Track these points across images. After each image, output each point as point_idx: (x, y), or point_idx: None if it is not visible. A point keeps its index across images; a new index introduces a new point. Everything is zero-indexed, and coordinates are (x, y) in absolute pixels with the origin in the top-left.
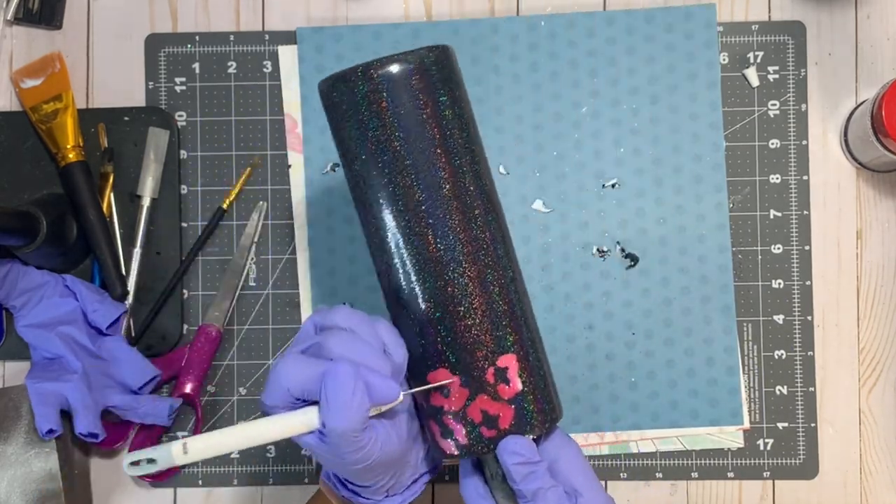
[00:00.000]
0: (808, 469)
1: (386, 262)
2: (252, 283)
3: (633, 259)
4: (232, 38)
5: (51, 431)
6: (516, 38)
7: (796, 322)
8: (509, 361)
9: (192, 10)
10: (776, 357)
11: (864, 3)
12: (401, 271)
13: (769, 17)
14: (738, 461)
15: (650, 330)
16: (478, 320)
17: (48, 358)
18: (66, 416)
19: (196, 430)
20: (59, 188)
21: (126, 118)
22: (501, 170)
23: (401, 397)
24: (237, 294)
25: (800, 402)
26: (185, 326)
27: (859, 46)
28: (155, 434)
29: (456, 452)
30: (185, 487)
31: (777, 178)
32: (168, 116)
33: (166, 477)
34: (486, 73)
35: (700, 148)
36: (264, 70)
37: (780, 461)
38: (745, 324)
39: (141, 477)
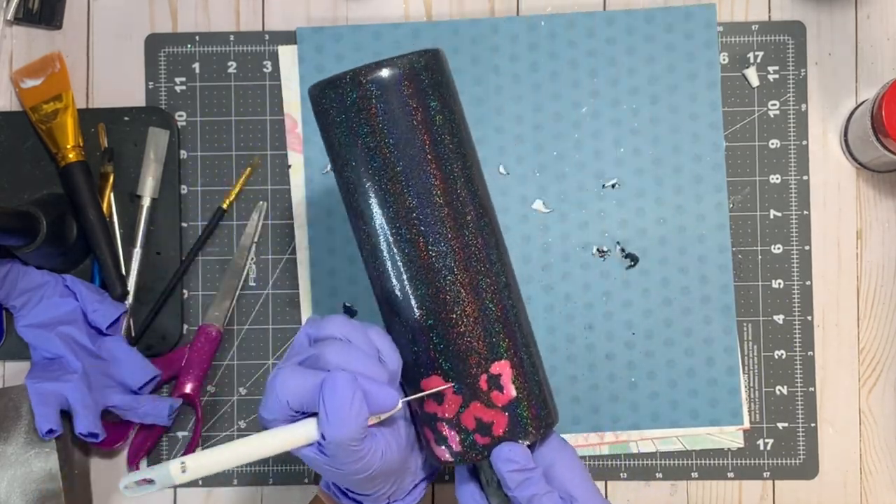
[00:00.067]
0: (808, 469)
1: (378, 268)
2: (252, 283)
3: (633, 259)
4: (232, 38)
5: (51, 431)
6: (516, 38)
7: (796, 322)
8: (503, 368)
9: (192, 10)
10: (776, 357)
11: (864, 3)
12: (393, 278)
13: (769, 17)
14: (738, 461)
15: (650, 330)
16: (470, 327)
17: (48, 358)
18: (66, 416)
19: (196, 430)
20: (59, 188)
21: (126, 118)
22: (501, 170)
23: (399, 405)
24: (237, 294)
25: (800, 402)
26: (185, 326)
27: (859, 46)
28: (155, 434)
29: (450, 459)
30: (185, 487)
31: (777, 178)
32: (168, 116)
33: None
34: (486, 73)
35: (700, 148)
36: (264, 70)
37: (780, 461)
38: (745, 324)
39: None
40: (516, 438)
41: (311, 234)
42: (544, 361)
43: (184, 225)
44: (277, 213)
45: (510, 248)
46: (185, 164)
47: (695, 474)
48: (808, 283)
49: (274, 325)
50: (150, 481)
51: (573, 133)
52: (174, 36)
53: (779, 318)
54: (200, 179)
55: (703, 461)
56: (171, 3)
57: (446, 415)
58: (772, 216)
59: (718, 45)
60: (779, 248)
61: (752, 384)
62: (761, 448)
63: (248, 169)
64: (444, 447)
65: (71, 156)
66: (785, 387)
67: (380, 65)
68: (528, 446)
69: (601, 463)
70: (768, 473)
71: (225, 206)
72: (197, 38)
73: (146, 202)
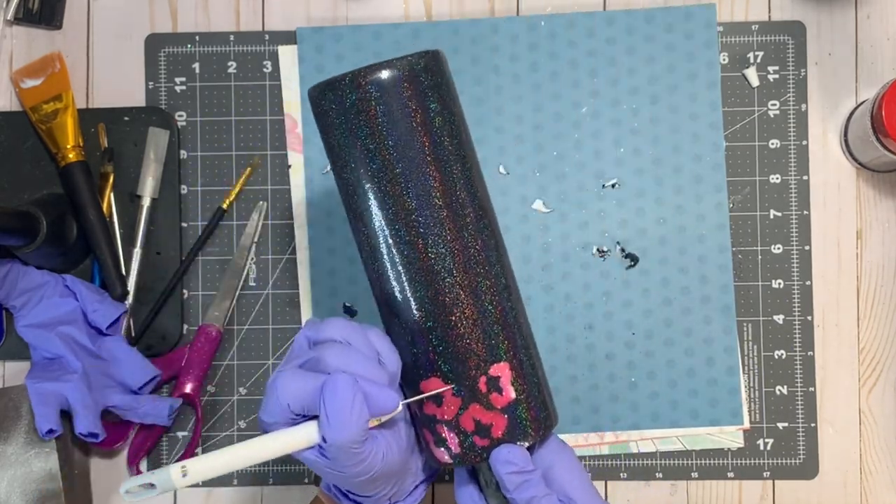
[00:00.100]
0: (808, 469)
1: (377, 270)
2: (252, 283)
3: (633, 259)
4: (232, 38)
5: (51, 431)
6: (516, 38)
7: (796, 322)
8: (502, 370)
9: (192, 10)
10: (776, 357)
11: (864, 3)
12: (392, 280)
13: (769, 17)
14: (738, 461)
15: (650, 330)
16: (469, 329)
17: (48, 358)
18: (66, 416)
19: (196, 430)
20: (59, 188)
21: (126, 118)
22: (501, 170)
23: (400, 406)
24: (237, 294)
25: (800, 402)
26: (185, 326)
27: (859, 46)
28: (155, 434)
29: (449, 461)
30: (185, 487)
31: (777, 178)
32: (168, 116)
33: None
34: (486, 73)
35: (700, 148)
36: (264, 70)
37: (780, 461)
38: (745, 324)
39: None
40: (515, 440)
41: (311, 234)
42: (544, 361)
43: (184, 225)
44: (277, 213)
45: (510, 248)
46: (185, 164)
47: (695, 474)
48: (808, 283)
49: (274, 325)
50: (151, 485)
51: (573, 133)
52: (174, 36)
53: (779, 318)
54: (200, 179)
55: (703, 461)
56: (171, 3)
57: (445, 417)
58: (772, 216)
59: (718, 45)
60: (779, 248)
61: (752, 384)
62: (761, 448)
63: (248, 169)
64: (443, 449)
65: (71, 156)
66: (785, 387)
67: (379, 66)
68: (528, 448)
69: (601, 463)
70: (768, 473)
71: (225, 206)
72: (197, 38)
73: (146, 202)
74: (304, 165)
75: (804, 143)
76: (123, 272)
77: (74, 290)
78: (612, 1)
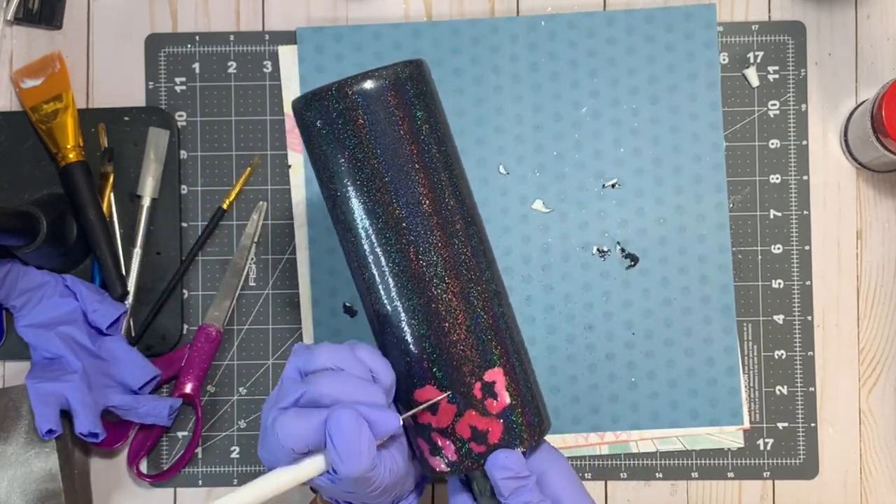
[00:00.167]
0: (808, 469)
1: (368, 280)
2: (252, 283)
3: (633, 259)
4: (232, 38)
5: (51, 431)
6: (516, 38)
7: (796, 322)
8: (496, 375)
9: (192, 10)
10: (776, 357)
11: (864, 3)
12: (382, 290)
13: (769, 17)
14: (738, 461)
15: (650, 330)
16: (463, 335)
17: (48, 358)
18: (66, 416)
19: (196, 430)
20: (59, 188)
21: (126, 118)
22: (501, 170)
23: (401, 422)
24: (237, 294)
25: (800, 402)
26: (185, 326)
27: (859, 46)
28: (155, 434)
29: (446, 469)
30: (185, 487)
31: (777, 178)
32: (168, 116)
33: (167, 477)
34: (486, 73)
35: (700, 148)
36: (264, 70)
37: (780, 461)
38: (745, 324)
39: (140, 476)
40: (511, 446)
41: (311, 234)
42: (544, 361)
43: (184, 225)
44: (277, 213)
45: (510, 248)
46: (185, 164)
47: (695, 474)
48: (808, 283)
49: (274, 325)
50: None
51: (573, 133)
52: (174, 36)
53: (779, 318)
54: (200, 179)
55: (703, 461)
56: (171, 3)
57: (441, 424)
58: (772, 216)
59: (718, 45)
60: (779, 248)
61: (752, 384)
62: (761, 448)
63: (248, 169)
64: (439, 457)
65: (71, 156)
66: (785, 387)
67: (365, 76)
68: (522, 454)
69: (601, 463)
70: (768, 473)
71: (225, 206)
72: (197, 38)
73: (146, 202)
74: (304, 165)
75: (804, 143)
76: (123, 272)
77: (74, 290)
78: (612, 1)
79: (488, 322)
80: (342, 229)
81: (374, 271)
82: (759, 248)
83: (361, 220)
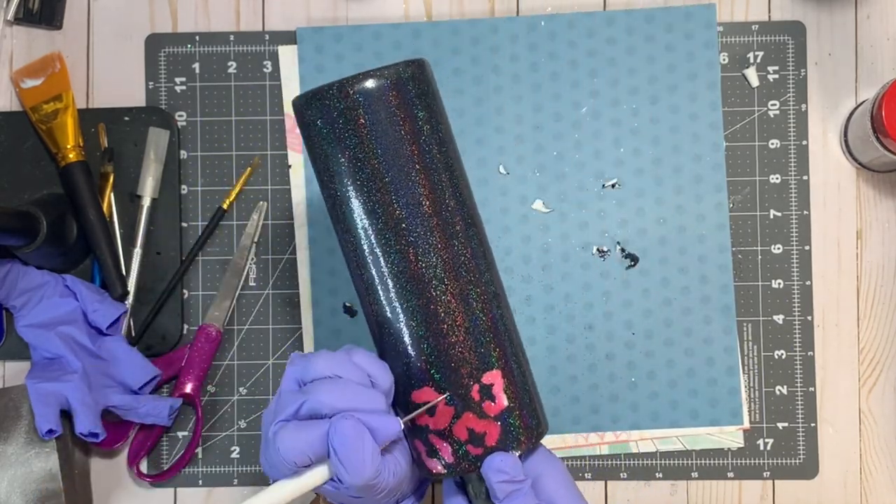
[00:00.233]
0: (808, 469)
1: (367, 281)
2: (252, 283)
3: (633, 259)
4: (232, 38)
5: (51, 431)
6: (516, 38)
7: (796, 322)
8: (494, 378)
9: (192, 10)
10: (776, 357)
11: (864, 3)
12: (381, 290)
13: (769, 17)
14: (738, 461)
15: (650, 330)
16: (461, 337)
17: (48, 358)
18: (67, 416)
19: (196, 430)
20: (59, 188)
21: (126, 118)
22: (501, 170)
23: (402, 426)
24: (237, 294)
25: (800, 402)
26: (185, 326)
27: (859, 46)
28: (155, 434)
29: (442, 471)
30: (185, 487)
31: (777, 178)
32: (168, 116)
33: (167, 477)
34: (486, 73)
35: (700, 148)
36: (264, 70)
37: (780, 461)
38: (745, 324)
39: (141, 476)
40: (508, 448)
41: (311, 234)
42: (544, 361)
43: (184, 225)
44: (277, 213)
45: (510, 248)
46: (185, 164)
47: (695, 474)
48: (808, 283)
49: (274, 325)
50: None
51: (573, 133)
52: (174, 36)
53: (779, 318)
54: (200, 179)
55: (703, 461)
56: (171, 3)
57: (438, 427)
58: (772, 216)
59: (718, 45)
60: (779, 248)
61: (752, 384)
62: (761, 448)
63: (248, 169)
64: (435, 459)
65: (71, 156)
66: (785, 387)
67: (366, 75)
68: (518, 457)
69: (601, 463)
70: (768, 473)
71: (225, 206)
72: (197, 38)
73: (146, 202)
74: (304, 165)
75: (804, 143)
76: (123, 272)
77: (74, 290)
78: (612, 1)
79: (487, 324)
80: (342, 229)
81: (373, 272)
82: (759, 248)
83: (361, 220)
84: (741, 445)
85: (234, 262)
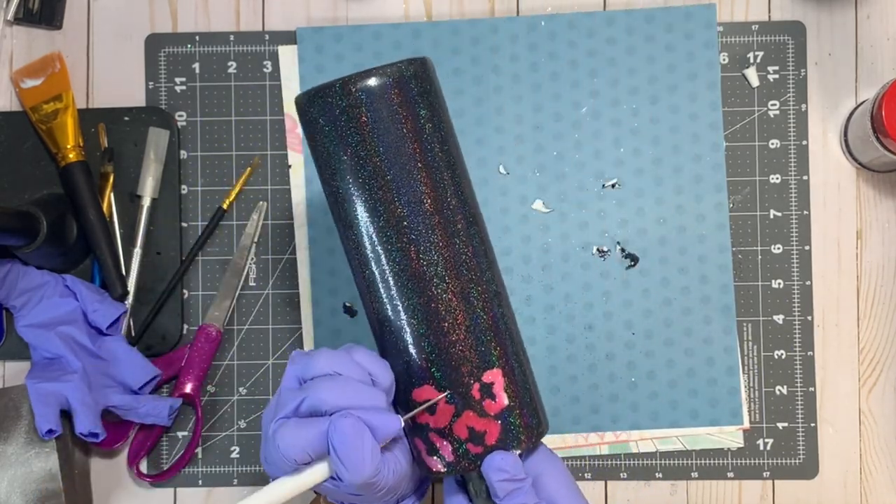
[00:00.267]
0: (808, 469)
1: (368, 279)
2: (252, 283)
3: (633, 259)
4: (232, 38)
5: (51, 431)
6: (516, 38)
7: (796, 322)
8: (495, 376)
9: (192, 10)
10: (776, 357)
11: (864, 3)
12: (382, 288)
13: (769, 17)
14: (738, 461)
15: (650, 330)
16: (462, 336)
17: (48, 358)
18: (67, 416)
19: (196, 430)
20: (59, 188)
21: (126, 118)
22: (501, 170)
23: (402, 424)
24: (237, 294)
25: (800, 402)
26: (185, 326)
27: (859, 46)
28: (155, 434)
29: (442, 470)
30: (185, 487)
31: (777, 178)
32: (168, 116)
33: (167, 477)
34: (486, 73)
35: (700, 148)
36: (264, 70)
37: (780, 461)
38: (745, 324)
39: (141, 476)
40: (508, 447)
41: (311, 234)
42: (544, 361)
43: (184, 225)
44: (277, 213)
45: (510, 248)
46: (185, 164)
47: (695, 474)
48: (808, 283)
49: (274, 325)
50: None
51: (573, 133)
52: (174, 36)
53: (779, 318)
54: (200, 179)
55: (703, 461)
56: (171, 3)
57: (438, 425)
58: (772, 216)
59: (718, 45)
60: (779, 248)
61: (752, 384)
62: (761, 448)
63: (248, 169)
64: (436, 458)
65: (71, 156)
66: (785, 387)
67: (369, 73)
68: (518, 456)
69: (601, 463)
70: (768, 473)
71: (225, 206)
72: (197, 38)
73: (146, 202)
74: (304, 165)
75: (804, 143)
76: (123, 272)
77: (74, 290)
78: (612, 1)
79: (488, 323)
80: (343, 227)
81: (375, 270)
82: (759, 248)
83: (362, 217)
84: (741, 445)
85: (234, 262)
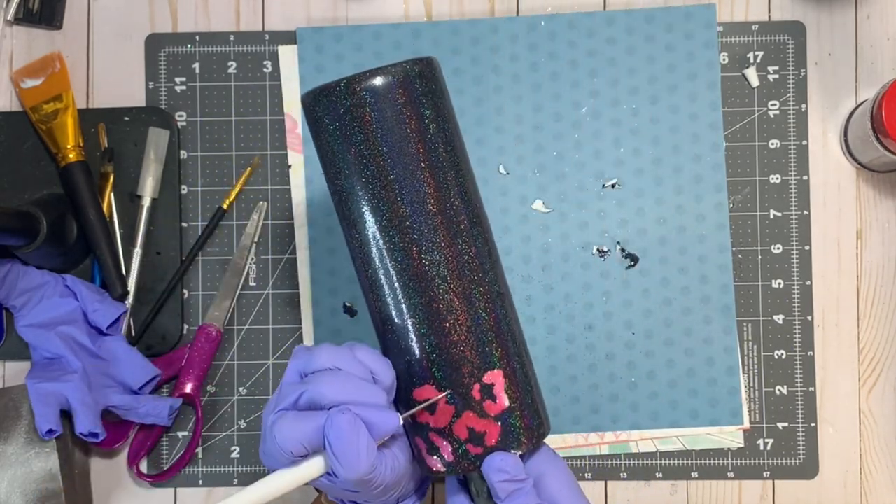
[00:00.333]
0: (808, 469)
1: (370, 278)
2: (252, 283)
3: (633, 259)
4: (232, 38)
5: (51, 431)
6: (516, 38)
7: (796, 322)
8: (496, 378)
9: (192, 10)
10: (776, 357)
11: (864, 3)
12: (385, 288)
13: (769, 17)
14: (738, 461)
15: (650, 330)
16: (463, 336)
17: (48, 358)
18: (67, 416)
19: (196, 430)
20: (59, 188)
21: (126, 118)
22: (501, 170)
23: (401, 421)
24: (237, 294)
25: (800, 402)
26: (186, 326)
27: (859, 46)
28: (155, 434)
29: (442, 469)
30: (185, 487)
31: (777, 178)
32: (168, 116)
33: (167, 477)
34: (486, 73)
35: (700, 148)
36: (264, 70)
37: (780, 461)
38: (745, 324)
39: (141, 476)
40: (508, 448)
41: (311, 234)
42: (544, 361)
43: (184, 225)
44: (277, 213)
45: (510, 248)
46: (185, 164)
47: (695, 474)
48: (808, 283)
49: (274, 325)
50: None
51: (573, 133)
52: (174, 36)
53: (779, 318)
54: (200, 179)
55: (703, 461)
56: (171, 3)
57: (439, 424)
58: (772, 216)
59: (718, 45)
60: (779, 248)
61: (752, 384)
62: (761, 448)
63: (248, 169)
64: (436, 457)
65: (71, 156)
66: (785, 387)
67: (374, 72)
68: (520, 457)
69: (601, 463)
70: (768, 473)
71: (225, 206)
72: (197, 38)
73: (146, 202)
74: (304, 165)
75: (804, 143)
76: (123, 272)
77: (74, 290)
78: (612, 1)
79: (490, 323)
80: (347, 225)
81: (377, 269)
82: (759, 248)
83: (366, 216)
84: (741, 445)
85: (234, 262)
